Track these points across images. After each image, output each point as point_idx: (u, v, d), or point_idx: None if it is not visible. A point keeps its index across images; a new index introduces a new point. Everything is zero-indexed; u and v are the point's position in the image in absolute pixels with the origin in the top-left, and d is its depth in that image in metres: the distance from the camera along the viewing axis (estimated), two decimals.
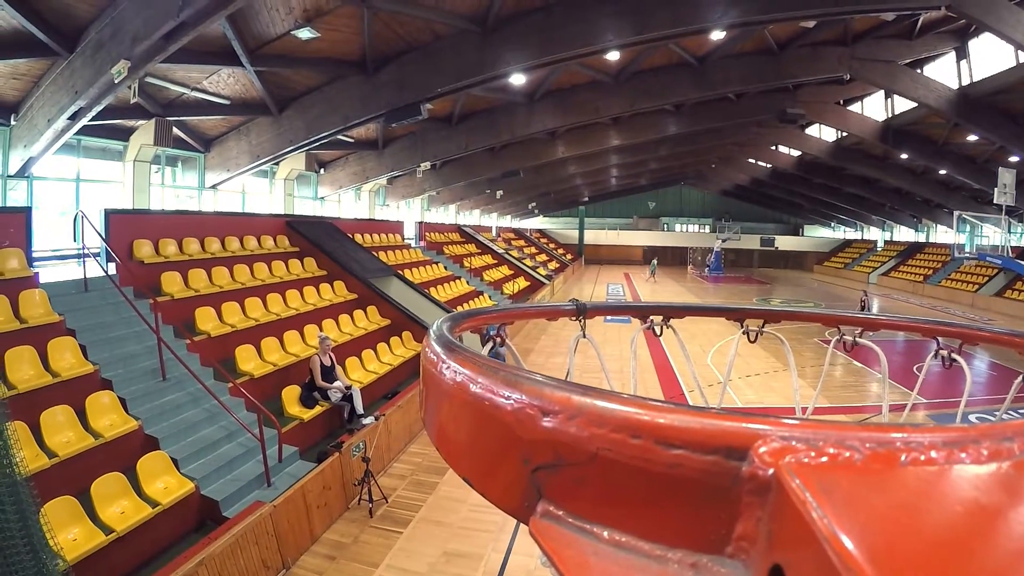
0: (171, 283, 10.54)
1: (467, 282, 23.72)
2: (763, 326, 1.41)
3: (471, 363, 0.52)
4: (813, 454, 0.36)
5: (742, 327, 1.34)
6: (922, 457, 0.35)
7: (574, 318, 1.01)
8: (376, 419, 9.40)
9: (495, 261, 31.32)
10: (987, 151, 24.24)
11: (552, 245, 51.19)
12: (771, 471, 0.36)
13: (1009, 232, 18.35)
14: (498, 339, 0.86)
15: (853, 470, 0.35)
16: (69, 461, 6.08)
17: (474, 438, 0.51)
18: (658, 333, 1.39)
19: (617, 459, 0.41)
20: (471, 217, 38.23)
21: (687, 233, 58.17)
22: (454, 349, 0.57)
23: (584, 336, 1.01)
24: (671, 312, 1.19)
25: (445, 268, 23.52)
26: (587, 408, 0.44)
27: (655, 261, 44.64)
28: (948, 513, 0.32)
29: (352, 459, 8.25)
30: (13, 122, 10.52)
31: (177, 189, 15.23)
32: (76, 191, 12.38)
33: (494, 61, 13.11)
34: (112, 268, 10.00)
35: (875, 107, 26.51)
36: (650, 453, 0.39)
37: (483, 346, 0.83)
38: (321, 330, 11.91)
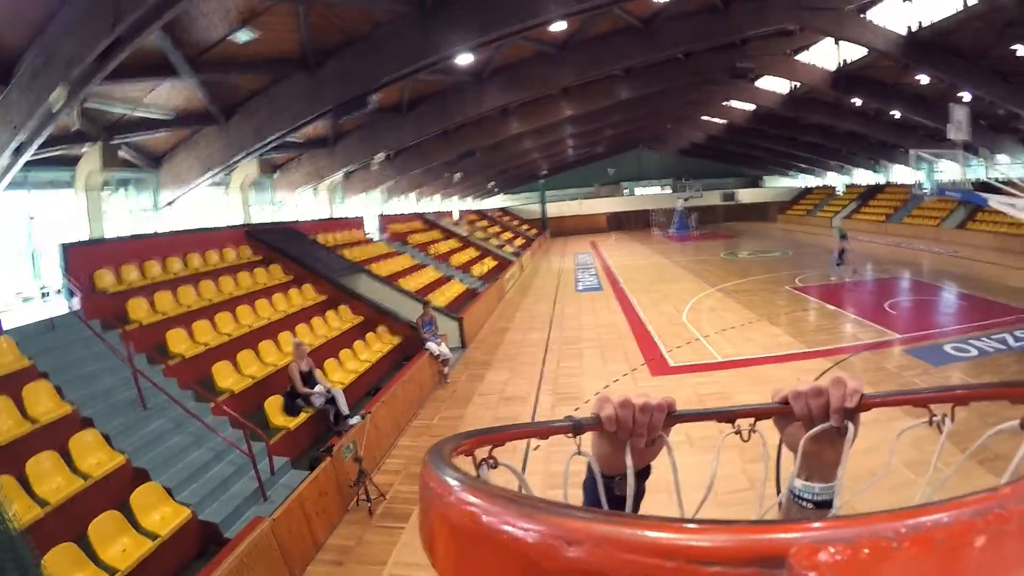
0: (137, 309, 10.34)
1: (435, 269, 23.65)
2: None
3: (482, 494, 0.52)
4: (849, 552, 0.37)
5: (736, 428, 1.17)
6: (955, 532, 0.37)
7: (569, 435, 0.98)
8: (363, 418, 9.38)
9: (460, 245, 31.23)
10: (938, 89, 24.61)
11: (516, 222, 51.06)
12: (810, 574, 0.36)
13: (966, 166, 18.78)
14: (491, 460, 0.84)
15: (891, 560, 0.36)
16: (62, 507, 5.99)
17: (495, 574, 0.50)
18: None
19: None
20: (432, 203, 37.94)
21: (649, 196, 58.36)
22: (462, 480, 0.55)
23: (579, 453, 0.99)
24: (686, 418, 1.14)
25: (411, 258, 23.43)
26: (613, 536, 0.43)
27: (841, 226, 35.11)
28: None
29: (344, 461, 8.24)
30: None
31: (132, 212, 14.86)
32: (29, 229, 12.01)
33: (437, 44, 12.96)
34: (76, 303, 9.79)
35: (825, 55, 26.70)
36: (685, 574, 0.40)
37: (476, 468, 0.82)
38: (295, 336, 11.81)
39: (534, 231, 50.44)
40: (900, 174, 39.40)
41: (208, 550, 6.46)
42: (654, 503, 1.14)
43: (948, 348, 12.34)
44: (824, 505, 1.03)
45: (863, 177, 45.62)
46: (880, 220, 38.62)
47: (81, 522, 5.84)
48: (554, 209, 55.85)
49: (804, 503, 1.04)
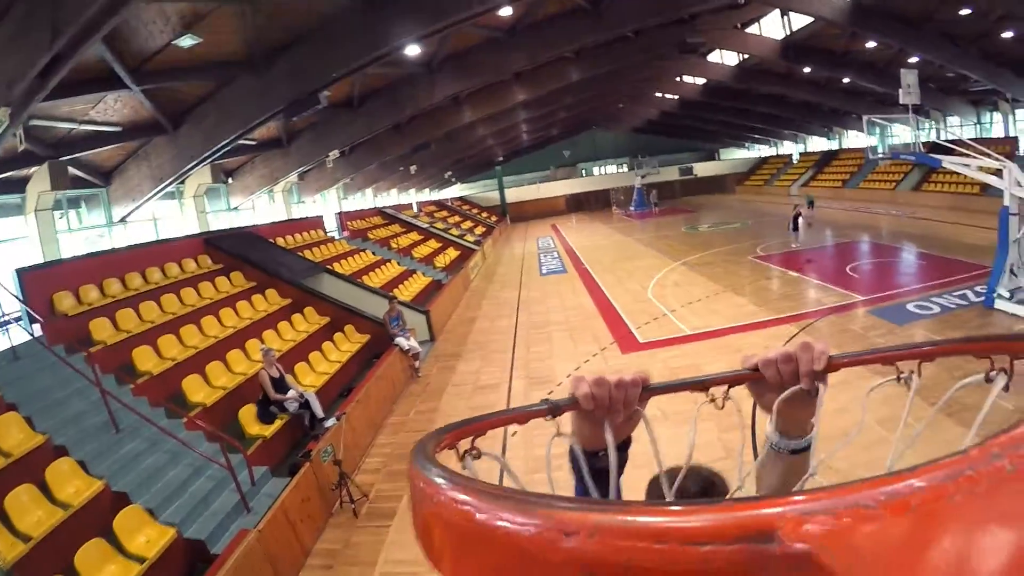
0: (101, 330, 10.13)
1: (398, 263, 23.57)
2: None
3: (474, 491, 0.52)
4: (833, 522, 0.39)
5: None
6: (929, 496, 0.39)
7: (548, 418, 1.00)
8: (338, 419, 9.37)
9: (421, 237, 31.14)
10: (887, 55, 25.13)
11: (475, 210, 50.87)
12: (799, 545, 0.39)
13: (919, 129, 19.26)
14: (474, 451, 0.87)
15: (871, 526, 0.39)
16: (45, 540, 5.90)
17: (493, 571, 0.50)
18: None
19: (649, 565, 0.42)
20: (389, 198, 37.65)
21: (606, 175, 58.62)
22: (452, 478, 0.55)
23: (559, 435, 1.02)
24: (660, 391, 1.14)
25: (373, 254, 23.29)
26: (606, 524, 0.44)
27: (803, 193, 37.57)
28: (964, 546, 0.36)
29: (324, 465, 8.24)
30: None
31: (86, 230, 14.47)
32: None
33: (386, 36, 12.98)
34: (37, 329, 9.55)
35: (773, 26, 27.06)
36: (680, 555, 0.41)
37: (460, 460, 0.84)
38: (263, 343, 11.72)
39: (494, 218, 50.37)
40: (854, 140, 40.11)
41: (196, 568, 6.44)
42: (636, 478, 1.22)
43: (911, 307, 12.74)
44: (800, 451, 1.12)
45: (817, 144, 46.39)
46: (837, 186, 39.33)
47: (66, 553, 5.76)
48: (513, 195, 55.77)
49: (782, 451, 1.12)
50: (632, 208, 48.52)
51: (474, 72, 19.56)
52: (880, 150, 21.84)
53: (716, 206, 44.13)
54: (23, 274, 9.98)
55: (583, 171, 59.43)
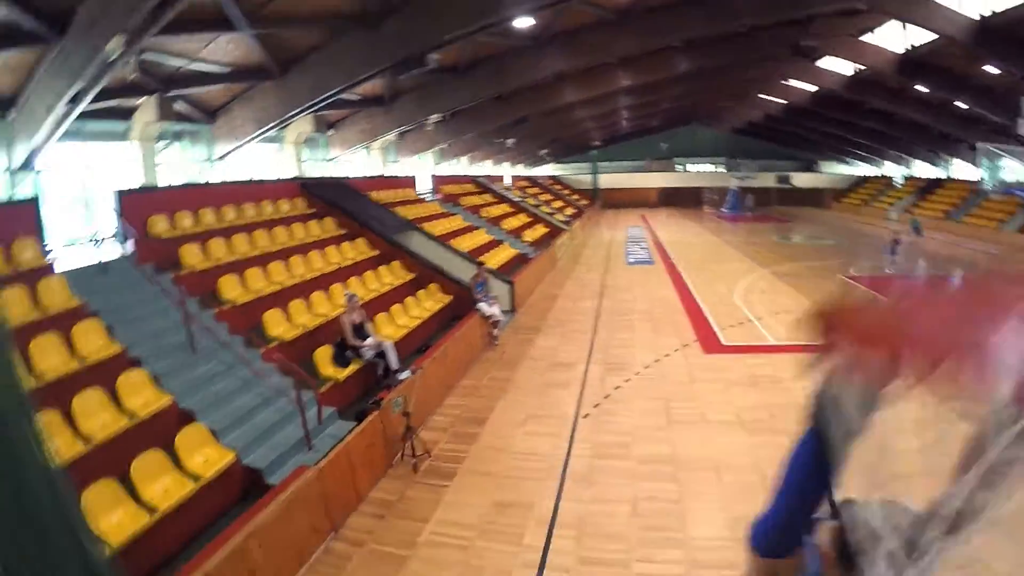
0: (190, 255, 10.40)
1: (486, 232, 23.49)
2: None
3: None
4: None
5: None
6: None
7: None
8: (413, 372, 9.21)
9: (512, 210, 30.94)
10: (1006, 82, 23.01)
11: (566, 191, 50.43)
12: None
13: None
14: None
15: None
16: (106, 444, 5.97)
17: None
18: None
19: None
20: (483, 168, 37.62)
21: (701, 173, 56.72)
22: None
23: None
24: None
25: (463, 219, 23.31)
26: None
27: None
28: None
29: (392, 415, 8.05)
30: (13, 115, 10.13)
31: (186, 163, 14.92)
32: (85, 176, 12.11)
33: (499, 4, 12.66)
34: (129, 247, 9.86)
35: (891, 38, 25.19)
36: None
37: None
38: (347, 288, 11.76)
39: (585, 201, 49.68)
40: (960, 169, 37.05)
41: (250, 495, 6.37)
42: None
43: None
44: None
45: (921, 170, 43.27)
46: (938, 216, 36.22)
47: (124, 460, 5.81)
48: (605, 181, 54.87)
49: None
50: (725, 210, 46.82)
51: (582, 51, 19.12)
52: (991, 183, 19.94)
53: (810, 219, 41.91)
54: (122, 195, 10.36)
55: (679, 166, 57.71)
